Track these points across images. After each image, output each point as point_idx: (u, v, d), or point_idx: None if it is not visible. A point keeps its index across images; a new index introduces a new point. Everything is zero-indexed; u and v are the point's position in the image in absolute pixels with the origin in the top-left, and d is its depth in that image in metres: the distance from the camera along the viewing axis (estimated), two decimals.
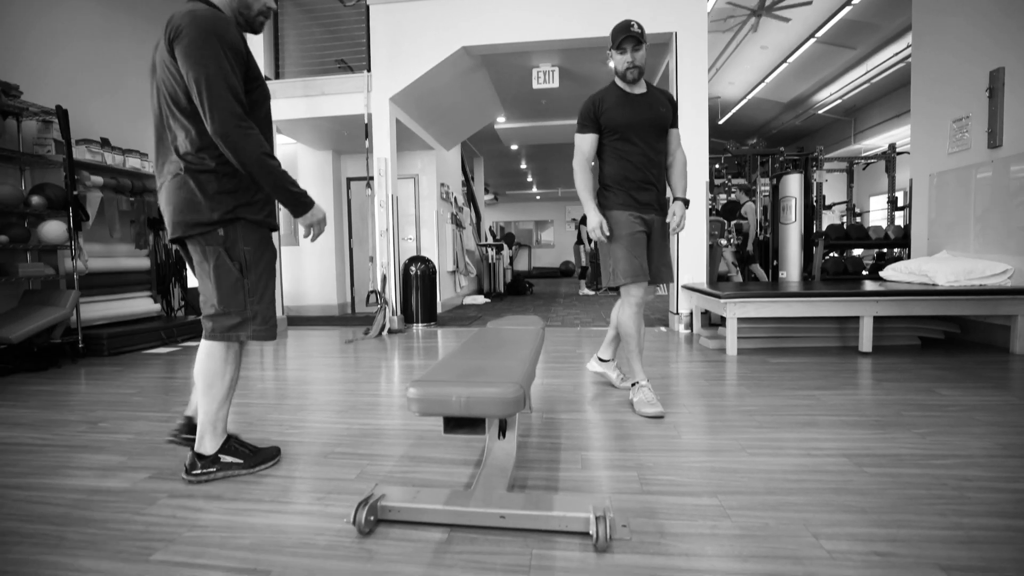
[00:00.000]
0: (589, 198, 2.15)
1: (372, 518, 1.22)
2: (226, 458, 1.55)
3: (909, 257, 4.37)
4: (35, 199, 3.42)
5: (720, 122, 12.47)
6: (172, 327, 4.19)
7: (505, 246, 9.52)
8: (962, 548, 1.10)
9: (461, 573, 1.05)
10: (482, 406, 1.10)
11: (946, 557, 1.07)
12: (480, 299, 7.65)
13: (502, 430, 1.46)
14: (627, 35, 2.03)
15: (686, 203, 2.17)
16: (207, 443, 1.54)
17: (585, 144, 2.17)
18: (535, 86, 5.22)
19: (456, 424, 1.18)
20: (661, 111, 2.14)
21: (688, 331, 4.20)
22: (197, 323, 4.48)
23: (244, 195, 1.49)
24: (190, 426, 1.63)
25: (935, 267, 3.40)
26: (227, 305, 1.49)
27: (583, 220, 9.34)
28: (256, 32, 1.59)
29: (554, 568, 1.06)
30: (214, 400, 1.53)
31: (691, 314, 4.19)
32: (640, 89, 2.16)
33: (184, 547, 1.18)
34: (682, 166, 2.23)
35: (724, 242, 6.17)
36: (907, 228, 5.09)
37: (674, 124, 2.21)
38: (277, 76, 5.00)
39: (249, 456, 1.59)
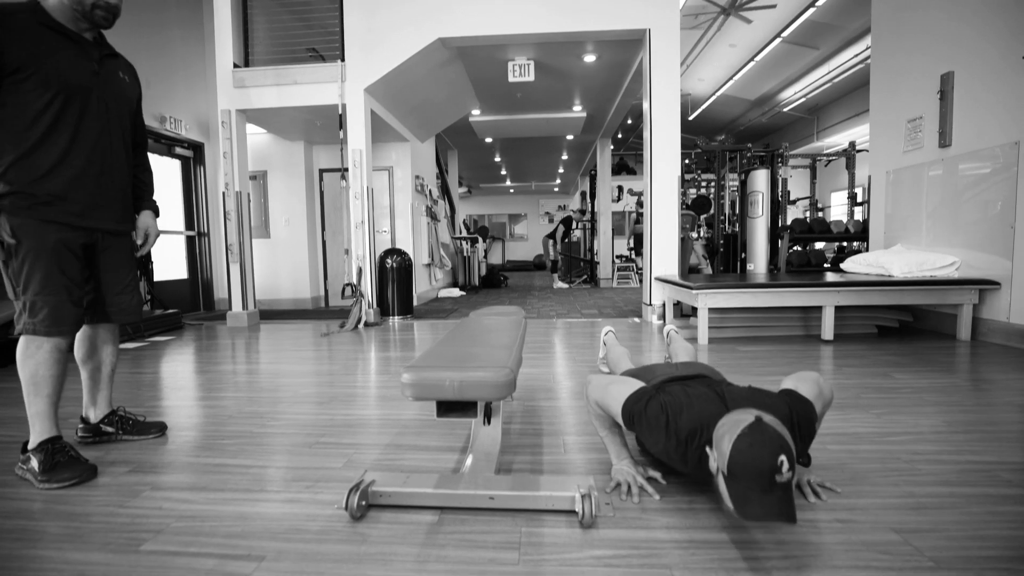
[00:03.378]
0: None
1: (364, 503, 1.25)
2: (34, 459, 1.47)
3: (867, 250, 4.60)
4: None
5: (690, 118, 12.73)
6: (139, 322, 4.06)
7: (479, 239, 9.53)
8: (913, 513, 1.20)
9: (454, 551, 1.09)
10: (475, 390, 1.14)
11: (899, 521, 1.17)
12: (455, 292, 7.66)
13: (487, 416, 1.51)
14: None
15: None
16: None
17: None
18: (511, 79, 5.24)
19: (448, 408, 1.21)
20: None
21: (660, 321, 4.32)
22: (165, 318, 4.36)
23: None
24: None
25: (891, 259, 3.60)
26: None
27: (564, 220, 9.47)
28: (100, 26, 1.54)
29: (543, 544, 1.11)
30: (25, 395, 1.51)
31: (663, 305, 4.32)
32: None
33: (174, 536, 1.18)
34: None
35: (695, 235, 6.35)
36: (866, 222, 5.34)
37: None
38: (247, 64, 4.87)
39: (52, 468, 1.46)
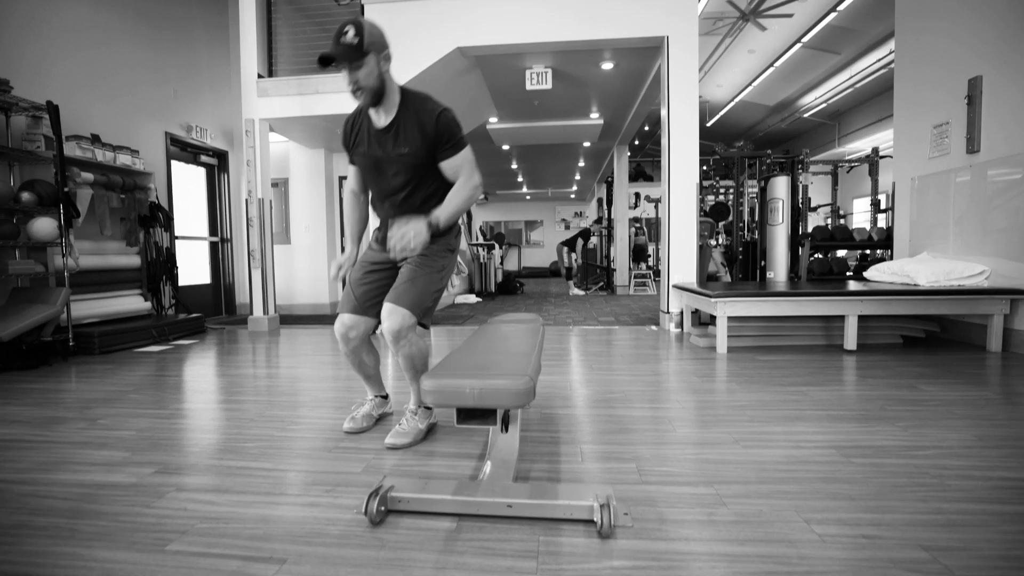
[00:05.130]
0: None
1: (383, 508, 1.26)
2: None
3: (892, 258, 4.50)
4: (25, 195, 3.38)
5: (708, 124, 12.64)
6: (163, 325, 4.16)
7: (496, 245, 9.56)
8: (943, 531, 1.17)
9: (473, 559, 1.10)
10: (495, 397, 1.15)
11: (928, 539, 1.14)
12: (472, 298, 7.68)
13: (505, 424, 1.51)
14: (329, 55, 1.53)
15: (431, 223, 1.56)
16: None
17: (350, 174, 1.89)
18: (528, 87, 5.27)
19: (468, 415, 1.22)
20: (403, 152, 1.66)
21: (679, 330, 4.28)
22: (189, 321, 4.46)
23: None
24: None
25: (916, 268, 3.51)
26: None
27: (583, 233, 9.48)
28: None
29: (561, 553, 1.11)
30: None
31: (681, 313, 4.28)
32: (384, 121, 1.67)
33: (198, 538, 1.20)
34: (456, 190, 1.65)
35: (713, 243, 6.29)
36: (889, 230, 5.23)
37: (443, 155, 1.65)
38: (271, 74, 4.98)
39: None
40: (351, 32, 1.53)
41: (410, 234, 1.50)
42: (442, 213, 1.61)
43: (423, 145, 1.64)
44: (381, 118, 1.68)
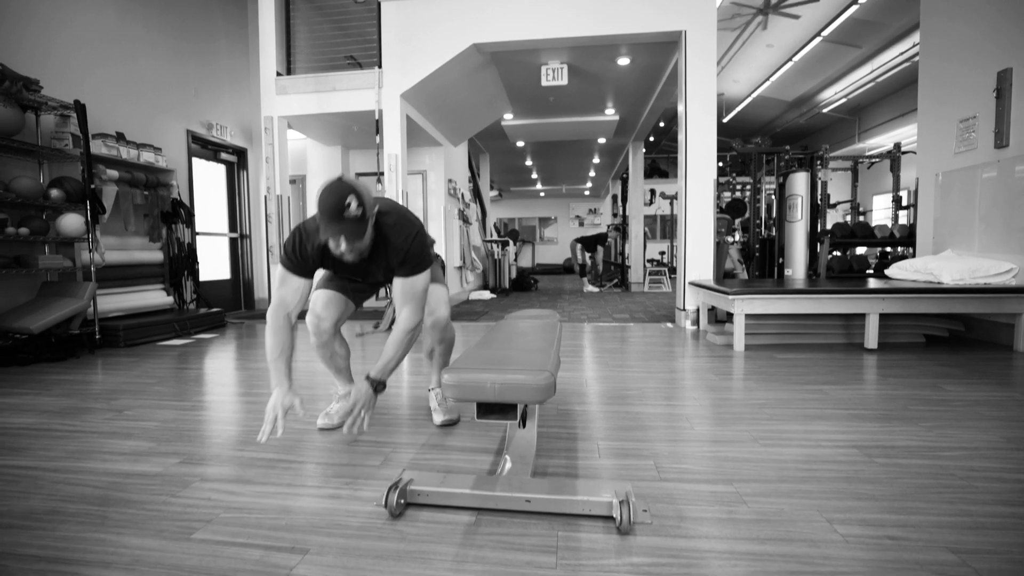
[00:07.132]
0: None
1: (402, 501, 1.27)
2: None
3: (914, 256, 4.40)
4: (54, 192, 3.47)
5: (725, 120, 12.47)
6: (185, 319, 4.24)
7: (510, 242, 9.57)
8: (971, 533, 1.15)
9: (491, 552, 1.10)
10: (515, 392, 1.15)
11: (956, 541, 1.11)
12: (486, 295, 7.70)
13: (523, 419, 1.51)
14: (329, 243, 1.46)
15: (374, 384, 1.56)
16: None
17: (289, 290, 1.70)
18: (544, 83, 5.25)
19: (487, 410, 1.23)
20: (374, 279, 1.80)
21: (695, 327, 4.24)
22: (209, 316, 4.54)
23: None
24: None
25: (940, 266, 3.44)
26: None
27: (599, 239, 9.44)
28: None
29: (580, 549, 1.11)
30: None
31: (697, 310, 4.24)
32: (356, 258, 1.56)
33: (222, 527, 1.23)
34: (393, 340, 1.63)
35: (730, 239, 6.21)
36: (912, 227, 5.12)
37: (399, 272, 1.62)
38: (289, 72, 5.03)
39: None
40: (353, 203, 1.38)
41: (359, 407, 1.50)
42: (381, 372, 1.59)
43: (391, 271, 1.67)
44: (354, 255, 1.53)
